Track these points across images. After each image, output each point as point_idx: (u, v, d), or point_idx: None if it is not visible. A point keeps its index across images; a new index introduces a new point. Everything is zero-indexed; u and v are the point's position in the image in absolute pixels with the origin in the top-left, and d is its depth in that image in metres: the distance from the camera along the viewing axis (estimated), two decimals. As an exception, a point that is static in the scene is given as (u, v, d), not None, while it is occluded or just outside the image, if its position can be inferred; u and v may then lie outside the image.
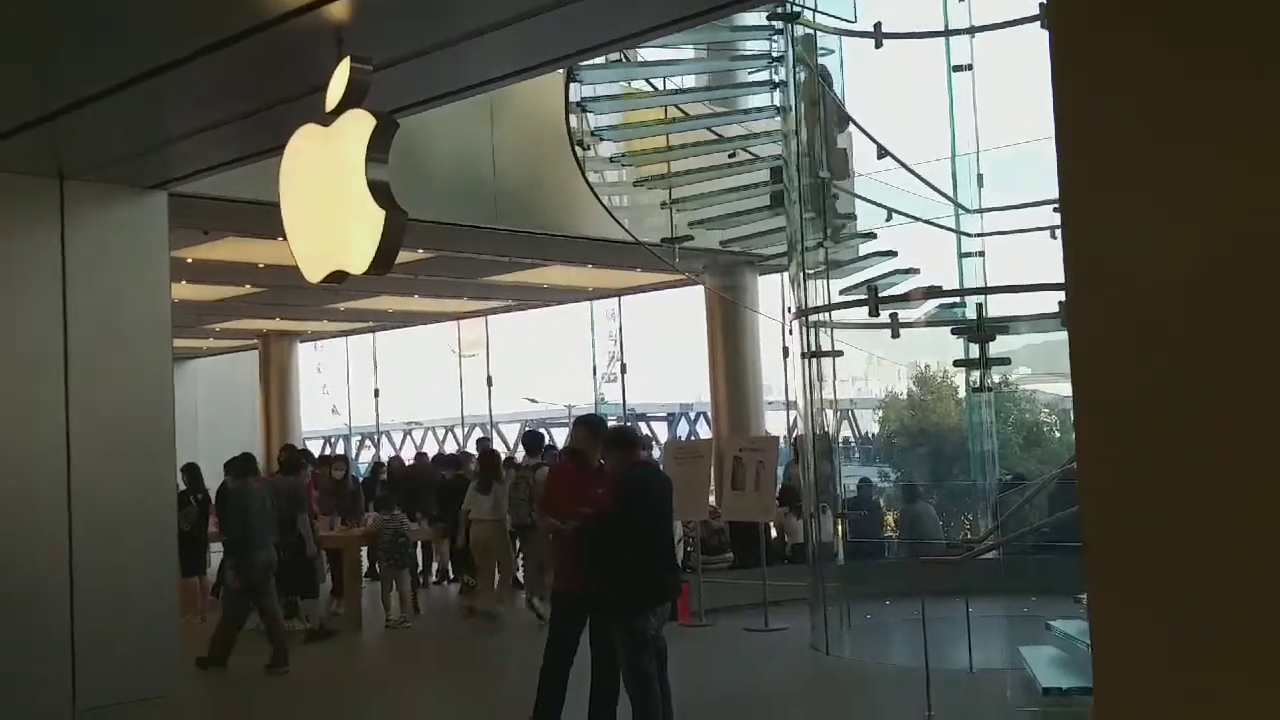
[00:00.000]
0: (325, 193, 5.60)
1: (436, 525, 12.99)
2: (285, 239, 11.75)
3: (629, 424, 11.13)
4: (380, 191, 5.33)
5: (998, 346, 12.30)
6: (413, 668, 9.82)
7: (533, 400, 38.52)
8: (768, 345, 15.31)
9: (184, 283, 13.76)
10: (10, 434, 7.35)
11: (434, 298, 17.29)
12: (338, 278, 5.62)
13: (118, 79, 6.12)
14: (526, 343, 29.78)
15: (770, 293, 15.72)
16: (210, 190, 8.90)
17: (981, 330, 9.18)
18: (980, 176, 13.14)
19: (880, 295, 10.24)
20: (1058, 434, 25.34)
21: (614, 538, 6.07)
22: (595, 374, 24.21)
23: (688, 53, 11.92)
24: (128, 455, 7.77)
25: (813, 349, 9.32)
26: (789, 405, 21.34)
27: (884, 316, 10.61)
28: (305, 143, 5.71)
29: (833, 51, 11.00)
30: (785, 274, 12.87)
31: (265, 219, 10.15)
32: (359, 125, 5.41)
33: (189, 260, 12.32)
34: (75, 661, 7.58)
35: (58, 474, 7.52)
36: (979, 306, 9.19)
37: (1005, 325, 9.47)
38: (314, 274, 5.69)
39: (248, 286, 15.09)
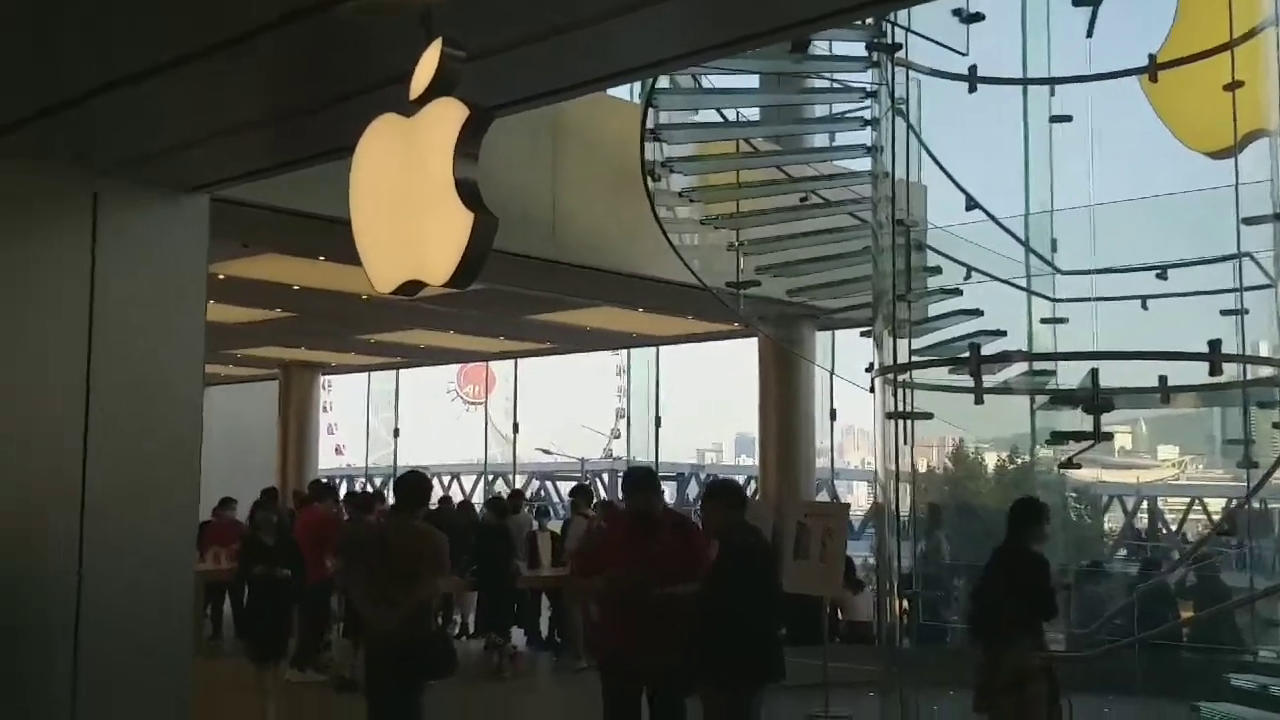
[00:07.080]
0: (403, 191, 4.81)
1: (465, 576, 12.17)
2: (326, 259, 11.18)
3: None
4: (468, 191, 4.54)
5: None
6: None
7: (546, 451, 37.71)
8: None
9: (211, 302, 13.04)
10: (25, 453, 6.44)
11: (470, 335, 16.51)
12: (412, 289, 4.82)
13: (162, 59, 5.35)
14: (538, 390, 29.08)
15: (825, 351, 14.94)
16: (254, 197, 8.20)
17: (1097, 401, 8.34)
18: (1055, 241, 12.44)
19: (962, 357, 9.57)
20: (1088, 520, 24.38)
21: (735, 603, 5.42)
22: (629, 427, 23.34)
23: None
24: (150, 483, 6.89)
25: (900, 409, 8.52)
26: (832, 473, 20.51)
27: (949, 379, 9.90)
28: (383, 133, 4.93)
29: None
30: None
31: (311, 234, 9.50)
32: (447, 116, 4.63)
33: (220, 277, 11.58)
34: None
35: (72, 491, 6.62)
36: (1094, 374, 8.36)
37: (1111, 398, 8.63)
38: (385, 284, 4.87)
39: (278, 310, 14.34)
